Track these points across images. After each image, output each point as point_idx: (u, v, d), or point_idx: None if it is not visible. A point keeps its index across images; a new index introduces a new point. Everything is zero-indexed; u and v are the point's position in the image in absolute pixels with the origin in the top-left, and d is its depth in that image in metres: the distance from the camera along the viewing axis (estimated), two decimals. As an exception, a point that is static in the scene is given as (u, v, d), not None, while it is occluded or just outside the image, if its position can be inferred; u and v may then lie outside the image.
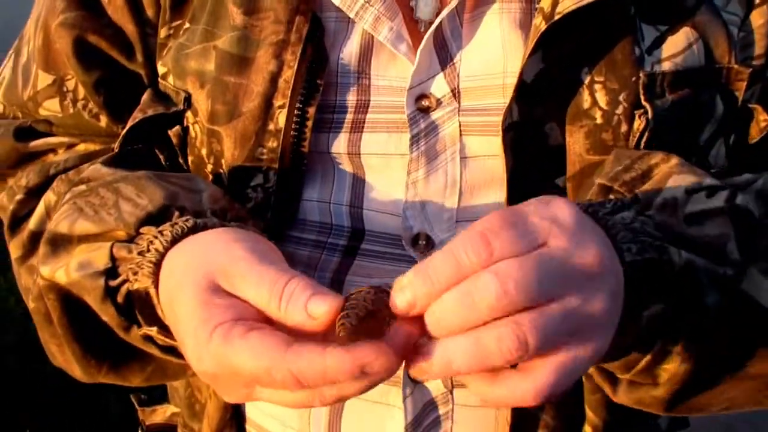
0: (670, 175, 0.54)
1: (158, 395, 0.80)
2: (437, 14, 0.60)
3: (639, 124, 0.58)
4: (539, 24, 0.57)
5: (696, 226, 0.52)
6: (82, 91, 0.68)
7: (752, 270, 0.52)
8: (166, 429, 0.78)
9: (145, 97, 0.65)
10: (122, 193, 0.56)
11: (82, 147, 0.70)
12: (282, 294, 0.43)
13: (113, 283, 0.53)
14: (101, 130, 0.69)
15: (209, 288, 0.46)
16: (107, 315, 0.54)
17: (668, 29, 0.60)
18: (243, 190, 0.61)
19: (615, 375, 0.55)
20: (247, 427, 0.70)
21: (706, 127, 0.61)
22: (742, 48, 0.61)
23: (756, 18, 0.61)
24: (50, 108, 0.69)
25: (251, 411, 0.70)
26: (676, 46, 0.59)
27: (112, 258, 0.53)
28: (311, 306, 0.42)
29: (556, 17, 0.55)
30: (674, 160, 0.55)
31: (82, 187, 0.60)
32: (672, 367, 0.52)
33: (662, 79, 0.59)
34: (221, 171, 0.62)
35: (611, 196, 0.54)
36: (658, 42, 0.59)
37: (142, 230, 0.53)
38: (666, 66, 0.59)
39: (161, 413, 0.79)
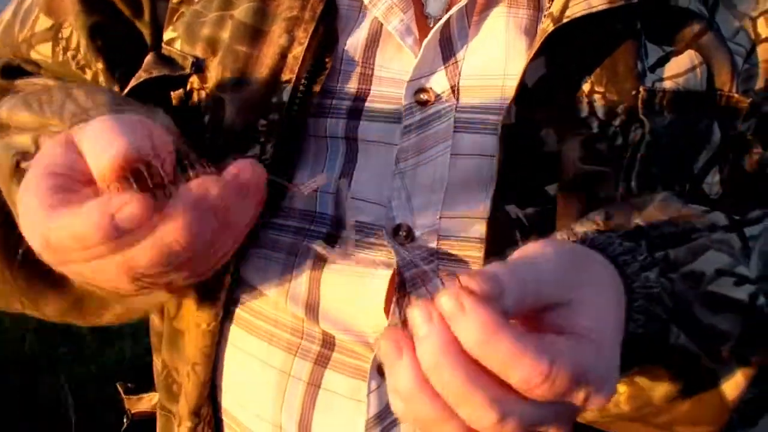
0: (708, 248, 0.54)
1: (144, 384, 0.80)
2: (447, 11, 0.61)
3: (634, 136, 0.58)
4: (546, 26, 0.57)
5: (708, 311, 0.52)
6: (75, 41, 0.69)
7: (734, 365, 0.54)
8: (152, 417, 0.78)
9: (148, 59, 0.66)
10: (72, 95, 0.57)
11: None
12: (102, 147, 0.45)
13: (24, 164, 0.53)
14: (85, 82, 0.69)
15: (64, 141, 0.47)
16: (9, 197, 0.55)
17: (673, 51, 0.60)
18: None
19: None
20: (222, 417, 0.70)
21: (702, 154, 0.61)
22: (744, 80, 0.61)
23: (761, 52, 0.62)
24: (42, 52, 0.70)
25: (226, 400, 0.70)
26: (679, 67, 0.60)
27: (36, 144, 0.54)
28: (107, 150, 0.44)
29: (564, 20, 0.56)
30: (718, 235, 0.55)
31: (39, 87, 0.62)
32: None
33: (662, 97, 0.59)
34: (219, 139, 0.63)
35: (643, 242, 0.54)
36: (662, 61, 0.60)
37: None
38: (667, 84, 0.59)
39: (147, 401, 0.79)
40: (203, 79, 0.64)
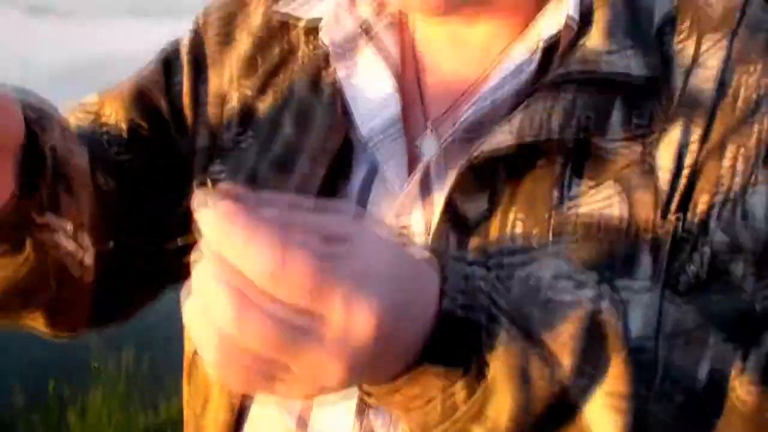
0: (543, 257, 0.56)
1: None
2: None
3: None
4: (462, 168, 0.67)
5: (545, 313, 0.51)
6: (113, 121, 0.81)
7: (582, 381, 0.50)
8: None
9: (194, 186, 0.78)
10: None
11: None
12: None
13: None
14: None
15: None
16: None
17: (595, 184, 0.67)
18: None
19: None
20: None
21: (637, 274, 0.65)
22: (669, 202, 0.67)
23: (682, 178, 0.67)
24: (80, 117, 0.83)
25: None
26: (597, 196, 0.66)
27: None
28: None
29: (473, 159, 0.66)
30: (552, 250, 0.57)
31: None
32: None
33: (574, 220, 0.65)
34: None
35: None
36: (582, 192, 0.66)
37: None
38: (582, 210, 0.66)
39: None
40: None
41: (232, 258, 0.40)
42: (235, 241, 0.40)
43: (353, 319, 0.41)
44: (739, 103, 0.68)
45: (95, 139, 0.80)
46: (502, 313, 0.49)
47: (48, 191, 0.66)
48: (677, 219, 0.66)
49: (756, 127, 0.68)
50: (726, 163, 0.67)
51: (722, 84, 0.69)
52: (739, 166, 0.67)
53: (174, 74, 0.83)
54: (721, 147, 0.67)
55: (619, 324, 0.52)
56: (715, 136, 0.68)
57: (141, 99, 0.82)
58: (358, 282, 0.42)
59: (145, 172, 0.81)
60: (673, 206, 0.67)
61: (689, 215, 0.67)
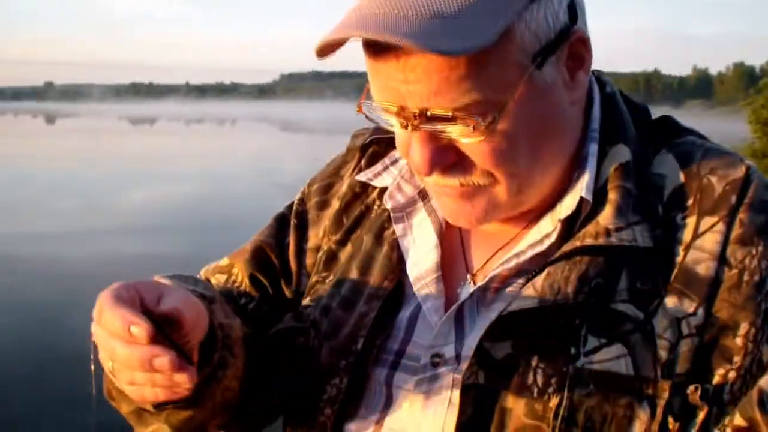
0: None
1: None
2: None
3: (558, 401, 0.78)
4: (493, 316, 0.82)
5: None
6: (239, 279, 1.05)
7: None
8: None
9: (287, 316, 1.00)
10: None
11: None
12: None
13: None
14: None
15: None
16: None
17: (606, 342, 0.79)
18: (324, 385, 0.91)
19: None
20: None
21: (633, 426, 0.77)
22: (669, 366, 0.78)
23: (682, 346, 0.78)
24: (218, 278, 1.07)
25: None
26: (608, 355, 0.78)
27: None
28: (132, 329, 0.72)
29: (503, 314, 0.80)
30: None
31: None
32: None
33: (588, 374, 0.78)
34: (313, 371, 0.92)
35: None
36: (596, 349, 0.79)
37: None
38: (594, 366, 0.78)
39: None
40: (317, 332, 0.95)
41: None
42: None
43: None
44: (744, 284, 0.77)
45: (230, 294, 1.04)
46: None
47: (219, 357, 0.85)
48: (695, 389, 0.77)
49: (763, 306, 0.77)
50: (738, 341, 0.77)
51: (723, 264, 0.79)
52: (750, 345, 0.77)
53: (284, 235, 1.06)
54: (733, 325, 0.77)
55: None
56: (724, 313, 0.78)
57: (259, 257, 1.05)
58: None
59: (264, 311, 1.03)
60: (678, 369, 0.77)
61: (707, 387, 0.77)
